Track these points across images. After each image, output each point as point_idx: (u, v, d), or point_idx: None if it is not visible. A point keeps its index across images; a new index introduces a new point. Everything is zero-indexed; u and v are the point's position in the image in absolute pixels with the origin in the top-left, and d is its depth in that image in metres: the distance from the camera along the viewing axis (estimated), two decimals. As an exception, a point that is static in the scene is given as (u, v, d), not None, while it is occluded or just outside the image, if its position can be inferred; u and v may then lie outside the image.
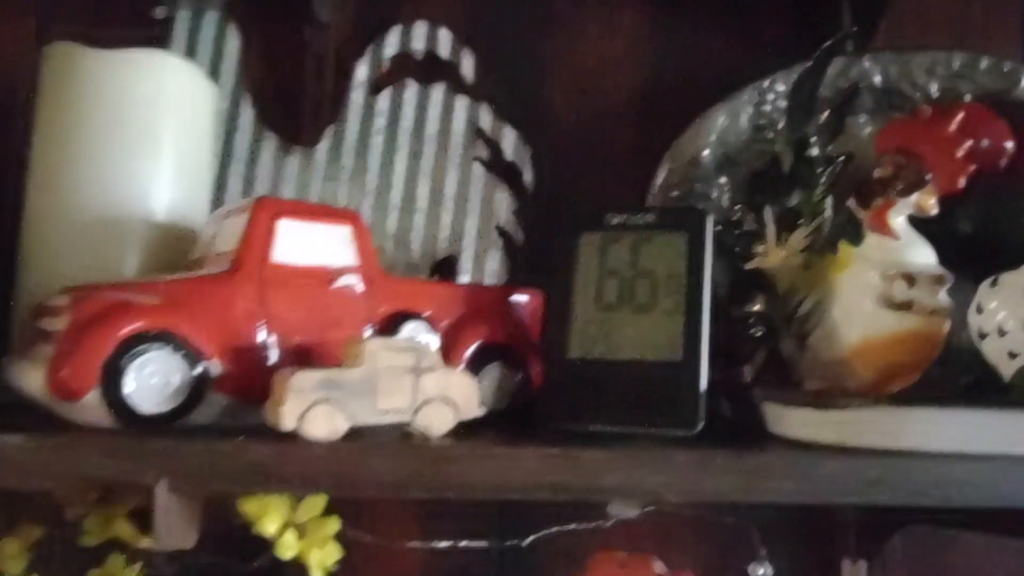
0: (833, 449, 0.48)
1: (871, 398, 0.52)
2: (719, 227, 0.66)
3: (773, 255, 0.63)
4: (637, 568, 0.56)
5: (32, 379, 0.46)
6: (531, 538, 0.75)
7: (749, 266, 0.64)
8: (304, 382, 0.44)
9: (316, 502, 0.51)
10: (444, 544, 0.73)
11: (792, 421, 0.51)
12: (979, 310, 0.60)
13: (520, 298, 0.61)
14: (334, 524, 0.52)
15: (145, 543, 0.51)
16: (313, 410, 0.44)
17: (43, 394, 0.45)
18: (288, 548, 0.48)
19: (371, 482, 0.44)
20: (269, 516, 0.48)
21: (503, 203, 0.78)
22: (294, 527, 0.49)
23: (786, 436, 0.52)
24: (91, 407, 0.45)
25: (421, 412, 0.48)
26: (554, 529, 0.76)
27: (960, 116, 0.63)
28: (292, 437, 0.44)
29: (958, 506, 0.47)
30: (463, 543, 0.73)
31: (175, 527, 0.44)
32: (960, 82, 0.76)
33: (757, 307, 0.66)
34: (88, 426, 0.46)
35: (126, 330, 0.45)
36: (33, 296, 0.57)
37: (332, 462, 0.44)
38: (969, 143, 0.62)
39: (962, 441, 0.47)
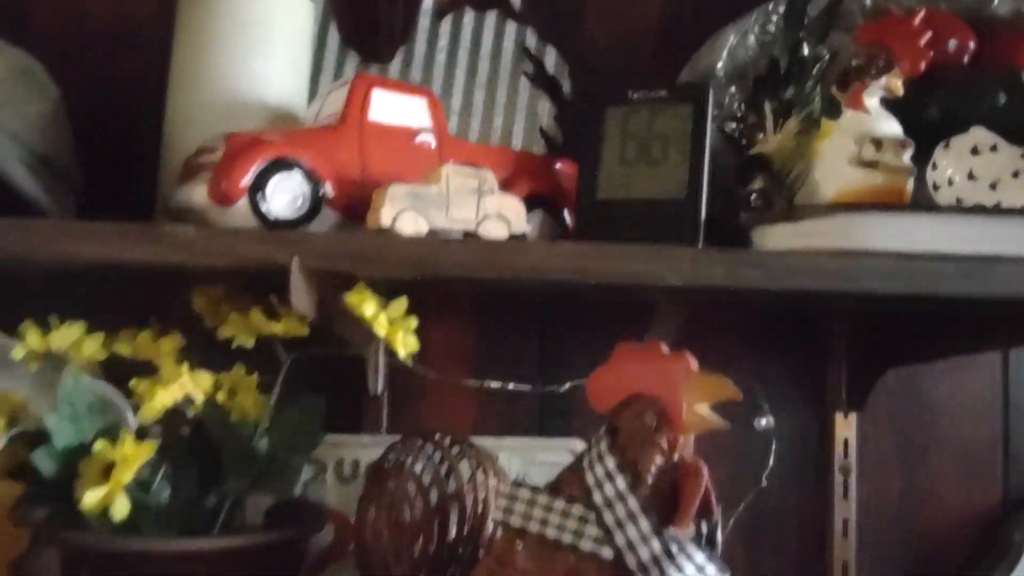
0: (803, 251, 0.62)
1: (829, 207, 0.66)
2: (731, 125, 0.81)
3: (771, 141, 0.77)
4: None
5: (197, 194, 0.62)
6: (568, 384, 0.89)
7: (752, 152, 0.78)
8: (397, 191, 0.60)
9: (400, 303, 0.67)
10: (495, 384, 0.88)
11: (771, 235, 0.66)
12: (934, 167, 0.74)
13: (559, 164, 0.76)
14: (413, 321, 0.67)
15: (273, 328, 0.67)
16: (403, 214, 0.60)
17: (205, 204, 0.61)
18: (382, 326, 0.64)
19: (447, 264, 0.59)
20: (367, 303, 0.63)
21: (545, 110, 0.94)
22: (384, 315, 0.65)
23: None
24: (240, 212, 0.61)
25: (482, 224, 0.63)
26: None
27: (923, 14, 0.76)
28: (388, 233, 0.60)
29: (900, 293, 0.61)
30: (511, 385, 0.88)
31: (303, 296, 0.59)
32: (940, 3, 0.89)
33: (759, 185, 0.80)
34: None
35: (267, 156, 0.61)
36: (175, 167, 0.74)
37: (418, 250, 0.60)
38: (929, 34, 0.75)
39: (902, 241, 0.61)
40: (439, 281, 0.61)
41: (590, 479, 0.62)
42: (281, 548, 0.72)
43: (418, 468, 0.77)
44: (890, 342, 0.89)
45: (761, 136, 0.77)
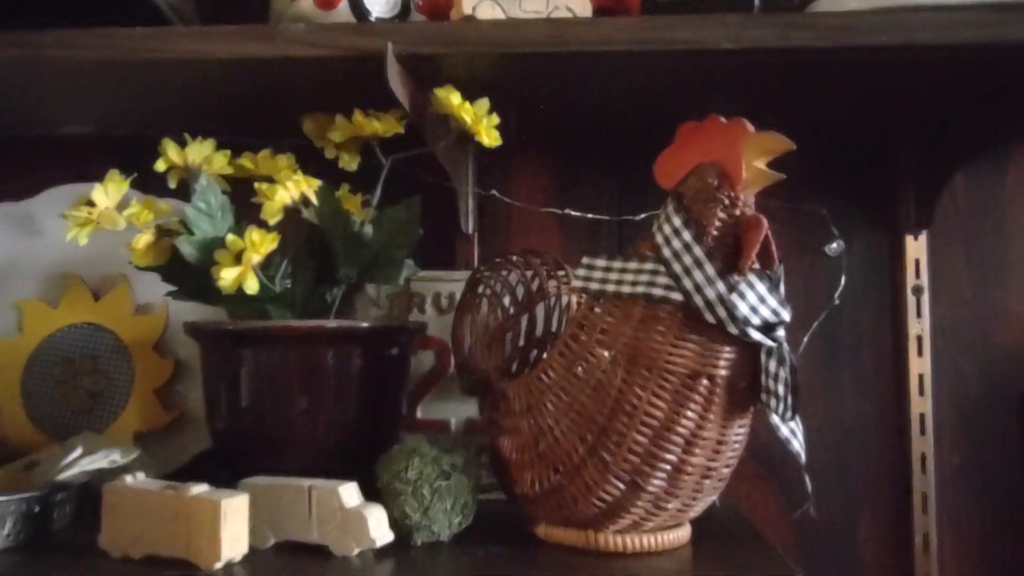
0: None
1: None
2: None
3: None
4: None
5: (304, 2, 0.71)
6: (642, 215, 0.96)
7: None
8: (477, -15, 0.68)
9: (483, 103, 0.74)
10: (575, 213, 0.95)
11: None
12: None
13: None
14: (495, 118, 0.74)
15: (374, 126, 0.76)
16: (481, 4, 0.68)
17: (311, 11, 0.70)
18: (468, 113, 0.71)
19: (521, 42, 0.66)
20: (454, 95, 0.71)
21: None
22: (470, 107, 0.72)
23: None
24: (342, 15, 0.70)
25: (552, 14, 0.70)
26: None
27: None
28: (470, 18, 0.68)
29: (954, 43, 0.65)
30: (590, 215, 0.96)
31: (399, 84, 0.68)
32: None
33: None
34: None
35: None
36: None
37: (497, 32, 0.67)
38: None
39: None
40: (517, 67, 0.68)
41: (659, 238, 0.68)
42: (387, 335, 0.81)
43: (506, 276, 0.85)
44: (954, 142, 0.91)
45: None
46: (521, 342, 0.83)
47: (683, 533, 0.74)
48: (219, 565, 0.66)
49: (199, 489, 0.69)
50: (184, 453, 0.96)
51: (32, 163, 1.04)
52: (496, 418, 0.78)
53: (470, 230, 0.97)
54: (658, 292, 0.67)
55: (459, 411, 0.95)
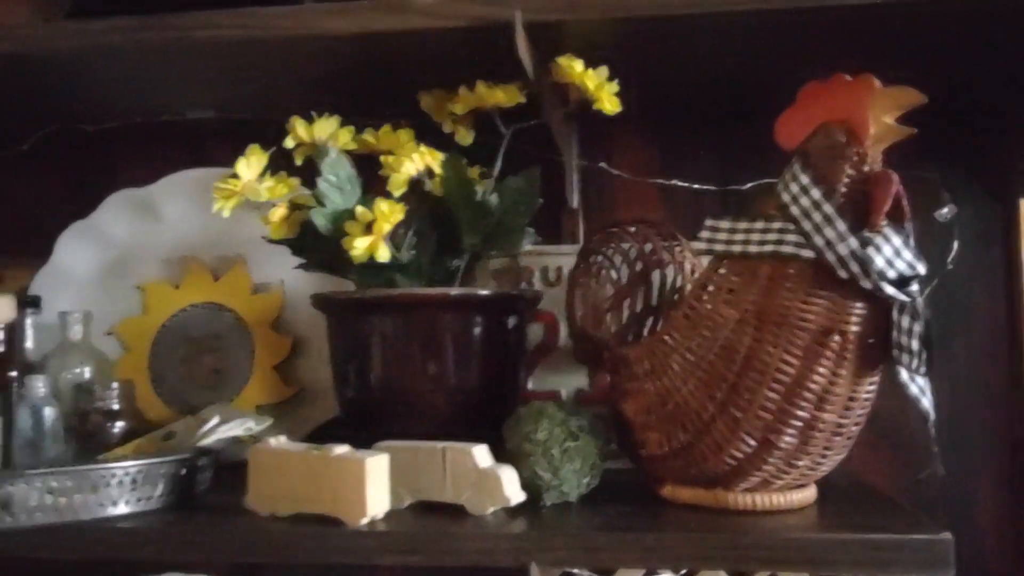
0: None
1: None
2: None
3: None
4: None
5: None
6: (749, 184, 0.96)
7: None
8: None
9: (602, 71, 0.76)
10: (680, 183, 0.96)
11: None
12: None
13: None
14: (615, 85, 0.76)
15: (496, 96, 0.78)
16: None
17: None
18: (591, 80, 0.73)
19: (645, 5, 0.68)
20: (575, 63, 0.73)
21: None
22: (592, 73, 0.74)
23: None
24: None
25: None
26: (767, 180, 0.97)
27: None
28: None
29: None
30: (695, 185, 0.96)
31: (525, 53, 0.69)
32: None
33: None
34: None
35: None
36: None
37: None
38: None
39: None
40: (640, 31, 0.69)
41: (786, 197, 0.69)
42: (508, 303, 0.83)
43: (621, 245, 0.86)
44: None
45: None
46: (638, 308, 0.84)
47: (810, 493, 0.75)
48: (364, 521, 0.69)
49: (342, 450, 0.71)
50: (304, 426, 1.00)
51: (151, 150, 1.09)
52: (617, 383, 0.80)
53: (575, 204, 0.99)
54: (788, 250, 0.68)
55: (569, 382, 0.96)
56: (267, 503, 0.73)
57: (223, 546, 0.70)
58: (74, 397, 0.90)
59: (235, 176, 0.76)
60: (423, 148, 0.78)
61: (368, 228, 0.76)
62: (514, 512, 0.73)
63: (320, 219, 0.77)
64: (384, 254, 0.75)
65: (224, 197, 0.76)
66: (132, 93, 0.93)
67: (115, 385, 0.89)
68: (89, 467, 0.72)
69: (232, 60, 0.85)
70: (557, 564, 0.67)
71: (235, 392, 1.01)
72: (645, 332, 0.84)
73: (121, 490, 0.73)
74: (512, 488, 0.73)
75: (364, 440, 0.78)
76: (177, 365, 1.03)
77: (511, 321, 0.84)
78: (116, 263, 1.07)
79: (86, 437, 0.88)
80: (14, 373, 0.91)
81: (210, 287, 1.04)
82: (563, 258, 0.98)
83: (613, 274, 0.86)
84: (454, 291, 0.81)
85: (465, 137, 0.85)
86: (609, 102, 0.74)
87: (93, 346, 0.99)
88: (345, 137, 0.81)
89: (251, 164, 0.76)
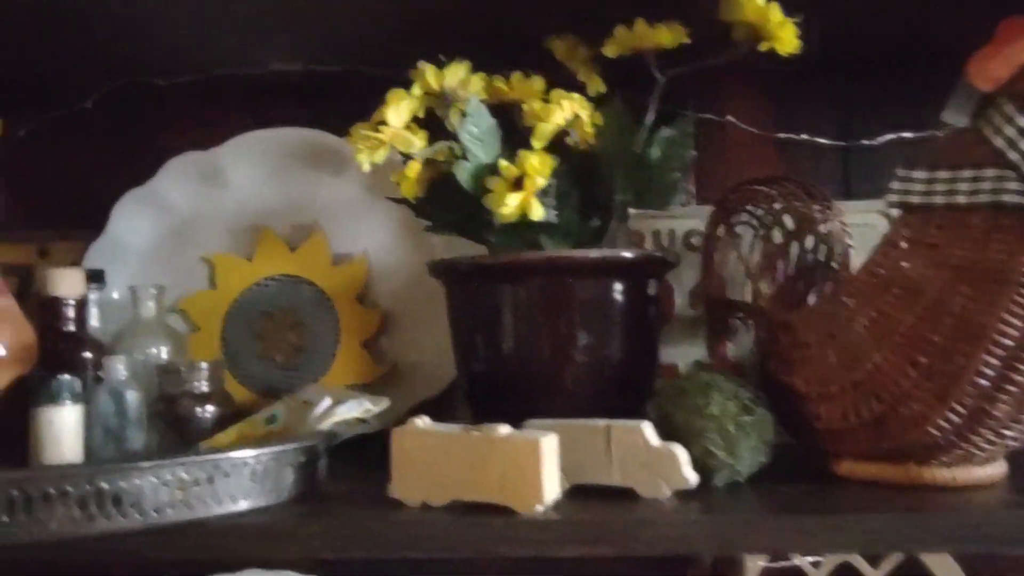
0: None
1: None
2: None
3: None
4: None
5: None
6: (882, 138, 0.90)
7: None
8: None
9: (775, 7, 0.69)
10: (801, 136, 0.89)
11: None
12: None
13: None
14: (793, 25, 0.69)
15: (659, 37, 0.70)
16: None
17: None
18: (775, 16, 0.66)
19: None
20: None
21: None
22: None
23: None
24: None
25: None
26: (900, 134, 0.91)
27: None
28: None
29: None
30: (823, 140, 0.90)
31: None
32: None
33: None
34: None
35: None
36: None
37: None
38: None
39: None
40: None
41: (999, 142, 0.63)
42: (651, 266, 0.76)
43: (766, 203, 0.79)
44: None
45: None
46: (791, 271, 0.78)
47: (1002, 467, 0.69)
48: (540, 509, 0.62)
49: (505, 430, 0.64)
50: (398, 406, 0.92)
51: (215, 110, 0.99)
52: (776, 351, 0.73)
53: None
54: (1010, 199, 0.62)
55: (687, 355, 0.90)
56: (417, 491, 0.66)
57: (376, 541, 0.62)
58: (158, 380, 0.81)
59: (381, 123, 0.67)
60: (574, 96, 0.70)
61: (515, 184, 0.68)
62: (684, 494, 0.66)
63: (463, 175, 0.69)
64: (538, 212, 0.68)
65: (369, 148, 0.67)
66: (210, 43, 0.84)
67: (204, 366, 0.80)
68: (220, 456, 0.63)
69: (324, 5, 0.77)
70: (764, 550, 0.60)
71: (320, 371, 0.93)
72: (798, 296, 0.78)
73: (253, 481, 0.65)
74: (688, 468, 0.66)
75: (490, 419, 0.70)
76: (253, 343, 0.94)
77: (650, 288, 0.77)
78: (176, 233, 0.97)
79: (176, 424, 0.79)
80: (88, 354, 0.82)
81: (286, 258, 0.95)
82: (676, 221, 0.92)
83: (766, 238, 0.79)
84: (595, 253, 0.73)
85: (598, 86, 0.77)
86: (789, 42, 0.67)
87: (167, 324, 0.89)
88: (477, 84, 0.73)
89: (400, 110, 0.67)
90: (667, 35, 0.71)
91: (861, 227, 0.86)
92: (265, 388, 0.92)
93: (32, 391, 0.73)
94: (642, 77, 0.75)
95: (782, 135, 0.92)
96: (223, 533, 0.62)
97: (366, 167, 0.69)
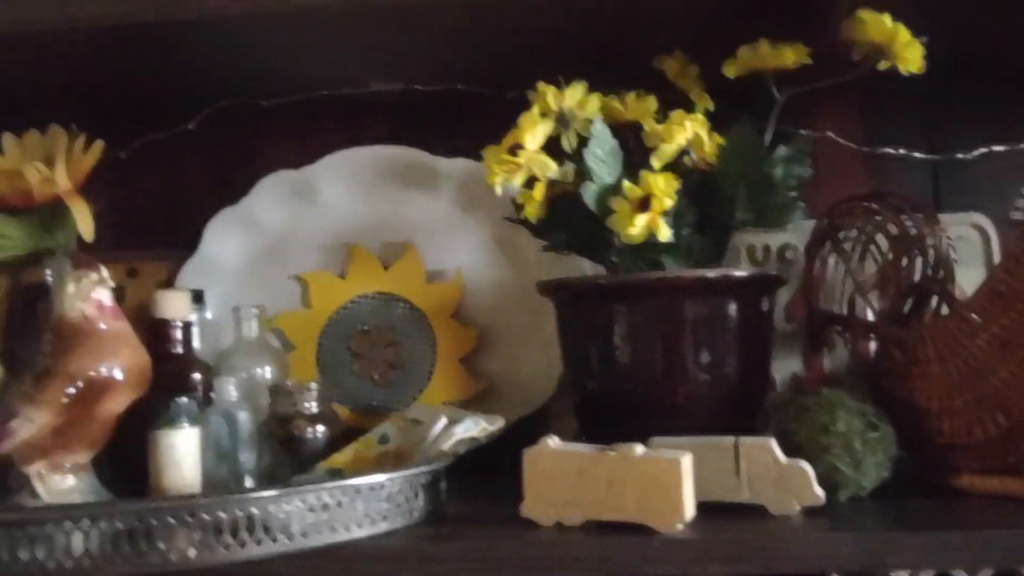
0: None
1: None
2: None
3: None
4: None
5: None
6: (976, 152, 0.90)
7: None
8: None
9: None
10: (899, 151, 0.90)
11: None
12: None
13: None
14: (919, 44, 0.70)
15: (783, 58, 0.71)
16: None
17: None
18: (903, 36, 0.67)
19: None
20: (884, 16, 0.66)
21: None
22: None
23: None
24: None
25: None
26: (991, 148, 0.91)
27: None
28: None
29: None
30: (917, 154, 0.90)
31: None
32: None
33: None
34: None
35: None
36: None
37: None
38: None
39: None
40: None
41: None
42: (763, 285, 0.77)
43: (872, 219, 0.80)
44: None
45: None
46: (901, 287, 0.78)
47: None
48: (680, 526, 0.62)
49: (640, 449, 0.65)
50: (495, 423, 0.92)
51: (312, 130, 0.99)
52: (892, 367, 0.74)
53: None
54: None
55: (781, 368, 0.90)
56: (550, 511, 0.66)
57: (517, 561, 0.63)
58: (268, 401, 0.81)
59: (518, 147, 0.68)
60: (694, 116, 0.71)
61: (638, 205, 0.69)
62: (813, 511, 0.67)
63: (590, 196, 0.69)
64: (665, 233, 0.68)
65: (507, 171, 0.68)
66: (313, 64, 0.84)
67: (313, 386, 0.81)
68: (361, 481, 0.64)
69: (427, 27, 0.78)
70: (908, 566, 0.61)
71: (417, 388, 0.94)
72: (907, 312, 0.78)
73: (390, 504, 0.66)
74: (817, 485, 0.66)
75: (603, 436, 0.71)
76: (349, 361, 0.95)
77: (763, 305, 0.78)
78: (268, 252, 0.98)
79: (289, 444, 0.80)
80: (198, 376, 0.82)
81: (379, 276, 0.96)
82: (769, 235, 0.93)
83: (876, 254, 0.80)
84: (712, 273, 0.74)
85: (708, 104, 0.78)
86: (914, 62, 0.68)
87: (269, 343, 0.90)
88: (593, 105, 0.73)
89: (536, 134, 0.68)
90: (790, 55, 0.71)
91: (954, 240, 0.87)
92: (362, 406, 0.93)
93: (149, 414, 0.74)
94: (735, 93, 0.76)
95: (878, 149, 0.92)
96: (371, 556, 0.62)
97: (499, 191, 0.70)
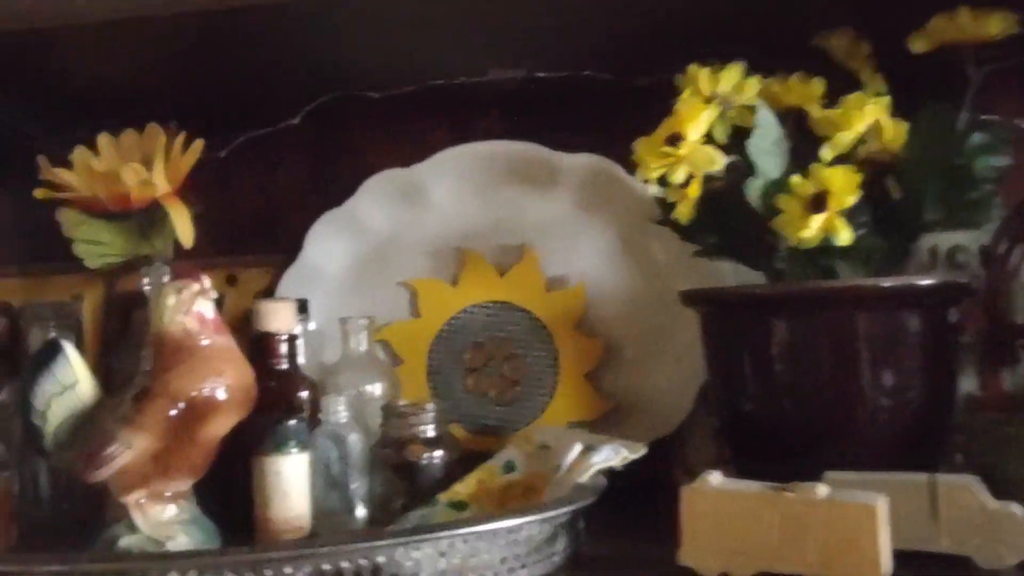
0: None
1: None
2: None
3: None
4: None
5: None
6: None
7: None
8: None
9: None
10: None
11: None
12: None
13: None
14: None
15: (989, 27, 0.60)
16: None
17: None
18: None
19: None
20: None
21: None
22: None
23: None
24: None
25: None
26: None
27: None
28: None
29: None
30: None
31: None
32: None
33: None
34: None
35: None
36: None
37: None
38: None
39: None
40: None
41: None
42: (950, 294, 0.66)
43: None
44: None
45: None
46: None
47: None
48: (878, 584, 0.53)
49: (824, 491, 0.55)
50: (624, 447, 0.83)
51: (424, 123, 0.91)
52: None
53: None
54: None
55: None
56: (715, 559, 0.57)
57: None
58: (380, 422, 0.74)
59: (676, 138, 0.59)
60: (878, 100, 0.61)
61: (810, 204, 0.59)
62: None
63: (754, 193, 0.60)
64: (846, 236, 0.58)
65: (663, 165, 0.59)
66: (427, 51, 0.77)
67: (431, 407, 0.73)
68: (499, 525, 0.55)
69: (551, 8, 0.69)
70: None
71: (538, 407, 0.85)
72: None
73: (528, 547, 0.57)
74: (1035, 534, 0.56)
75: (762, 470, 0.61)
76: (462, 376, 0.87)
77: (949, 317, 0.67)
78: (374, 257, 0.91)
79: (403, 471, 0.72)
80: (305, 394, 0.75)
81: (495, 283, 0.88)
82: (937, 236, 0.81)
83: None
84: (889, 282, 0.63)
85: (880, 87, 0.67)
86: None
87: (378, 357, 0.83)
88: (752, 89, 0.64)
89: (699, 123, 0.59)
90: (996, 24, 0.61)
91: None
92: (478, 425, 0.85)
93: (254, 438, 0.68)
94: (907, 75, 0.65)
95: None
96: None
97: (653, 189, 0.61)
